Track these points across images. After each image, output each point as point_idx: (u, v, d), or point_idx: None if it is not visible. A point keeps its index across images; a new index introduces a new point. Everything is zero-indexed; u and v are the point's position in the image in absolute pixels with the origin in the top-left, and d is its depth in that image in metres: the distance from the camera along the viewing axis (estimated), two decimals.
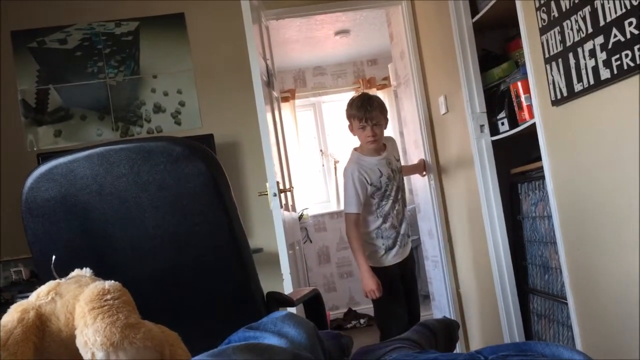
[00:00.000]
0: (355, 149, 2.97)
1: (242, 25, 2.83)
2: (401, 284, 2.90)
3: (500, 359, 0.88)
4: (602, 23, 1.72)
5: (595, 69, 1.78)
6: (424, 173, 3.59)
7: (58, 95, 3.57)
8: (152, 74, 3.66)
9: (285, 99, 5.76)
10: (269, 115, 2.99)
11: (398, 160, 3.02)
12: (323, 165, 6.06)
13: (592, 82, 1.81)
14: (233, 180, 1.61)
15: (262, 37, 3.26)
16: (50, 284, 1.01)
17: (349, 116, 2.91)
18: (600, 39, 1.74)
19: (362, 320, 5.34)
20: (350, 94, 6.08)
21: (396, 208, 2.89)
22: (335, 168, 5.98)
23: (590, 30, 1.78)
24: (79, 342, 0.90)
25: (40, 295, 0.99)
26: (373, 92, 5.97)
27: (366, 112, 2.81)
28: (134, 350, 0.89)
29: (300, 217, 5.46)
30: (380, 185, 2.85)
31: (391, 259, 2.88)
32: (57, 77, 3.58)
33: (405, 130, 4.27)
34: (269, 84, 3.23)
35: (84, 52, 3.61)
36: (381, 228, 2.87)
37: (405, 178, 3.16)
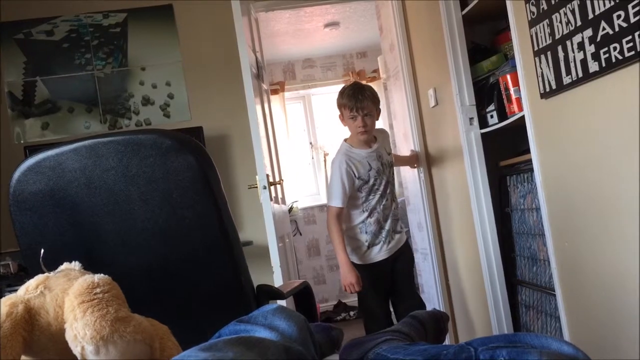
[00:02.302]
0: (346, 140, 2.90)
1: (231, 17, 2.82)
2: (391, 281, 2.86)
3: (490, 350, 0.88)
4: (590, 16, 1.73)
5: (584, 62, 1.79)
6: (415, 165, 3.54)
7: (45, 88, 3.54)
8: (140, 66, 3.63)
9: (275, 92, 5.75)
10: (258, 108, 2.98)
11: (390, 154, 2.95)
12: (313, 158, 6.06)
13: (580, 75, 1.82)
14: (223, 173, 1.61)
15: (251, 29, 3.24)
16: (39, 277, 1.01)
17: (340, 105, 2.84)
18: (589, 32, 1.75)
19: (351, 313, 5.36)
20: (340, 87, 6.07)
21: (383, 203, 2.81)
22: (325, 161, 5.98)
23: (579, 23, 1.79)
24: (69, 336, 0.90)
25: (29, 289, 0.98)
26: None
27: (357, 101, 2.74)
28: (124, 344, 0.88)
29: (290, 209, 5.46)
30: (368, 179, 2.78)
31: (375, 255, 2.82)
32: (44, 69, 3.55)
33: (394, 123, 4.27)
34: (258, 76, 3.22)
35: (71, 43, 3.57)
36: (365, 223, 2.80)
37: (395, 170, 3.06)
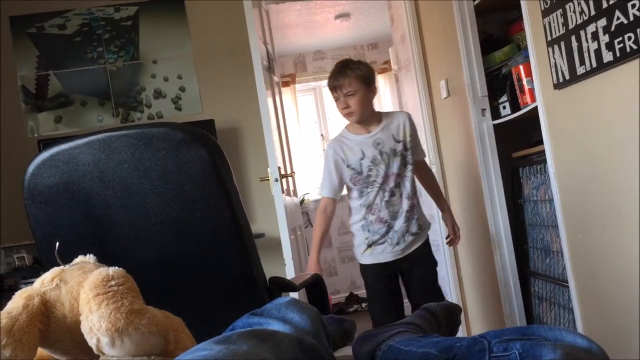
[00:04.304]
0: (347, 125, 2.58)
1: (242, 10, 2.82)
2: (404, 289, 2.56)
3: (504, 343, 0.88)
4: (604, 5, 1.71)
5: (598, 52, 1.77)
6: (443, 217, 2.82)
7: (58, 81, 3.56)
8: (152, 59, 3.64)
9: (286, 84, 5.74)
10: (269, 100, 2.98)
11: (401, 141, 2.47)
12: (324, 150, 6.05)
13: (594, 65, 1.81)
14: (234, 165, 1.61)
15: (262, 21, 3.24)
16: (55, 270, 1.01)
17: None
18: (602, 22, 1.73)
19: (363, 305, 5.36)
20: None
21: (386, 198, 2.44)
22: None
23: (593, 12, 1.77)
24: (84, 328, 0.91)
25: (44, 282, 0.99)
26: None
27: (335, 79, 2.44)
28: (138, 336, 0.89)
29: (302, 202, 5.47)
30: (360, 169, 2.44)
31: (376, 256, 2.49)
32: (56, 63, 3.57)
33: None
34: (269, 68, 3.22)
35: (83, 37, 3.59)
36: (366, 219, 2.48)
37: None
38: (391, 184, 2.45)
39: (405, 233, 2.47)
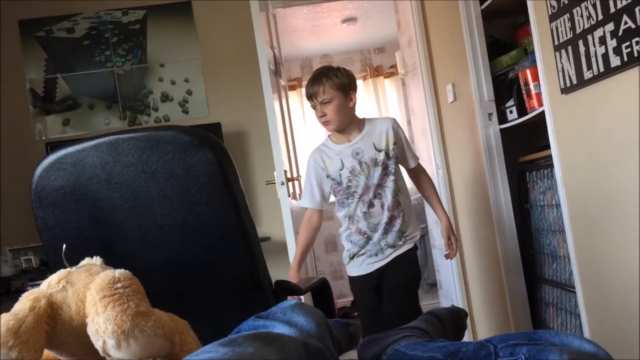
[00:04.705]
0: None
1: (249, 14, 2.83)
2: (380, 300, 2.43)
3: (510, 348, 0.88)
4: (612, 10, 1.70)
5: (605, 57, 1.77)
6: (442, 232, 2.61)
7: (66, 84, 3.58)
8: (159, 62, 3.66)
9: (292, 88, 5.76)
10: (276, 104, 2.99)
11: (382, 150, 2.36)
12: None
13: (601, 69, 1.80)
14: (241, 169, 1.61)
15: (269, 25, 3.25)
16: (61, 272, 1.02)
17: None
18: (610, 26, 1.72)
19: None
20: (358, 83, 6.06)
21: (365, 210, 2.35)
22: None
23: (600, 17, 1.77)
24: (90, 330, 0.91)
25: (51, 284, 0.99)
26: (380, 80, 5.96)
27: (310, 87, 2.37)
28: (144, 338, 0.89)
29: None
30: (340, 180, 2.36)
31: (355, 269, 2.44)
32: (64, 66, 3.59)
33: (412, 119, 4.25)
34: (276, 72, 3.23)
35: (91, 40, 3.61)
36: (350, 230, 2.42)
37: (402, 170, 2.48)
38: (370, 194, 2.35)
39: (383, 245, 2.38)
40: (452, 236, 2.52)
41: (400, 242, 2.39)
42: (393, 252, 2.38)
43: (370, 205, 2.36)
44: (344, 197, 2.38)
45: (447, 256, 2.59)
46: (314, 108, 2.41)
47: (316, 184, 2.42)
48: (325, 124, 2.39)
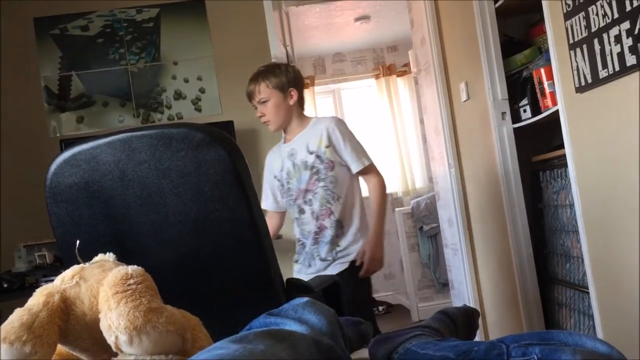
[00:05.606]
0: None
1: (262, 12, 2.84)
2: None
3: (522, 347, 0.87)
4: (628, 8, 1.69)
5: (621, 55, 1.75)
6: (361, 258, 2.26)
7: (80, 82, 3.60)
8: (172, 60, 3.67)
9: (305, 86, 5.75)
10: None
11: (313, 153, 2.23)
12: None
13: (617, 68, 1.78)
14: (253, 167, 1.61)
15: (282, 23, 3.26)
16: (75, 268, 1.03)
17: None
18: (626, 25, 1.71)
19: (380, 308, 5.35)
20: (371, 81, 6.06)
21: (295, 215, 2.27)
22: None
23: (616, 15, 1.75)
24: (103, 326, 0.92)
25: (64, 279, 1.00)
26: (393, 79, 5.94)
27: (247, 87, 2.29)
28: (156, 334, 0.90)
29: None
30: (282, 182, 2.30)
31: (297, 275, 2.28)
32: (79, 64, 3.61)
33: (425, 118, 4.24)
34: None
35: (105, 38, 3.63)
36: (295, 234, 2.35)
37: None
38: (300, 199, 2.25)
39: (315, 256, 2.26)
40: (368, 253, 2.22)
41: (330, 258, 2.23)
42: (324, 268, 2.23)
43: (301, 211, 2.26)
44: (288, 199, 2.31)
45: (363, 271, 2.25)
46: (255, 108, 2.32)
47: (268, 185, 2.38)
48: (265, 123, 2.31)
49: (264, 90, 2.24)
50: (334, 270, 2.20)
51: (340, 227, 2.24)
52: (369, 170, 2.31)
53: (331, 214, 2.23)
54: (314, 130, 2.27)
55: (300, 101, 2.33)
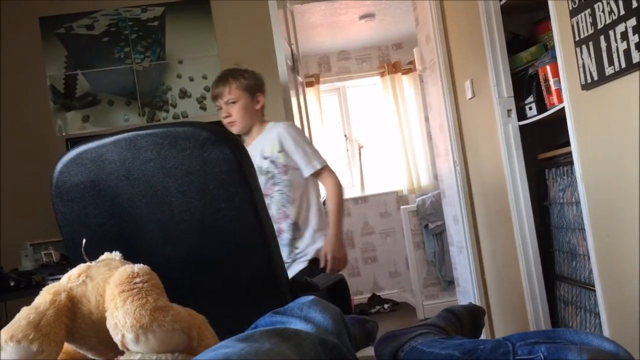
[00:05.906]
0: None
1: (267, 10, 2.83)
2: None
3: (528, 346, 0.87)
4: (634, 5, 1.68)
5: (627, 52, 1.74)
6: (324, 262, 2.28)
7: (86, 81, 3.61)
8: (177, 59, 3.67)
9: (310, 84, 5.75)
10: (293, 100, 2.99)
11: (267, 158, 2.27)
12: (347, 150, 6.05)
13: (623, 65, 1.77)
14: None
15: (286, 21, 3.25)
16: (81, 266, 1.03)
17: None
18: (632, 21, 1.70)
19: (386, 306, 5.35)
20: (376, 79, 6.05)
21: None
22: (360, 153, 5.97)
23: (622, 12, 1.74)
24: (110, 324, 0.92)
25: (71, 278, 1.01)
26: (398, 77, 5.93)
27: (216, 87, 2.31)
28: (162, 333, 0.90)
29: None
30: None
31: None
32: (84, 63, 3.62)
33: (430, 115, 4.23)
34: (293, 68, 3.23)
35: (110, 37, 3.63)
36: None
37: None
38: (266, 198, 2.21)
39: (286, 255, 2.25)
40: (329, 253, 2.24)
41: (290, 260, 2.24)
42: (291, 264, 2.24)
43: (270, 208, 2.24)
44: None
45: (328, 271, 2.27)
46: (219, 109, 2.32)
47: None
48: (230, 124, 2.30)
49: (234, 91, 2.27)
50: (293, 271, 2.22)
51: (297, 229, 2.27)
52: (323, 172, 2.34)
53: (287, 217, 2.26)
54: (268, 136, 2.31)
55: (262, 108, 2.37)
